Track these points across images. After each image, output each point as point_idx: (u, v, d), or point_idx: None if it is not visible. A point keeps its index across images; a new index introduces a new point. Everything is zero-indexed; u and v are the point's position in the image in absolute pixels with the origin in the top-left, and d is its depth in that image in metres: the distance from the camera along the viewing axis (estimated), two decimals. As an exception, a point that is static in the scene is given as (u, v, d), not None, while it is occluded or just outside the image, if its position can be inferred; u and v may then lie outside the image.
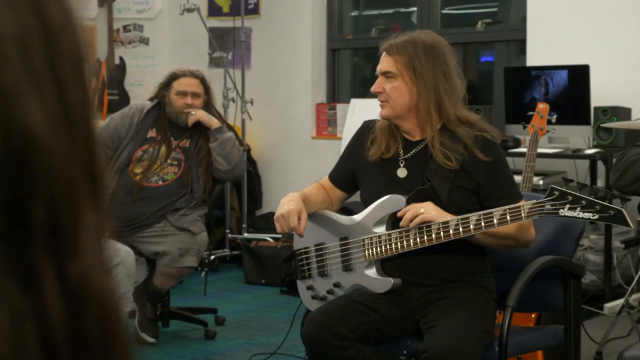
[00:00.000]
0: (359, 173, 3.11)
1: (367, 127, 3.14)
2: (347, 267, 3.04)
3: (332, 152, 6.12)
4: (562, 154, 5.26)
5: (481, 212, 2.79)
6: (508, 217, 2.75)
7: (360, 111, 6.12)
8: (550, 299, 3.08)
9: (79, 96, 0.46)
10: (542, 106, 4.49)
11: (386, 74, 3.00)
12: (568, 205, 2.64)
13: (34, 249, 0.43)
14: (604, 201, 2.64)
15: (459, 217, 2.80)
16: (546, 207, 2.67)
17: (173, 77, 4.64)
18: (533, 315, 3.61)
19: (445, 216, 2.82)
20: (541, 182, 4.84)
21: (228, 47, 7.16)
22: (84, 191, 0.46)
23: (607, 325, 4.38)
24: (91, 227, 0.46)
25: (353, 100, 6.27)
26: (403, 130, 3.05)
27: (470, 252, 2.94)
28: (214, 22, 7.33)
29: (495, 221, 2.76)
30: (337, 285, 3.06)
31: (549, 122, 4.48)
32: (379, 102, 3.02)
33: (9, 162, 0.42)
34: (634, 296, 4.36)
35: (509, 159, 3.60)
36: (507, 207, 2.76)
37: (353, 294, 2.99)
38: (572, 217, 2.64)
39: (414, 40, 2.98)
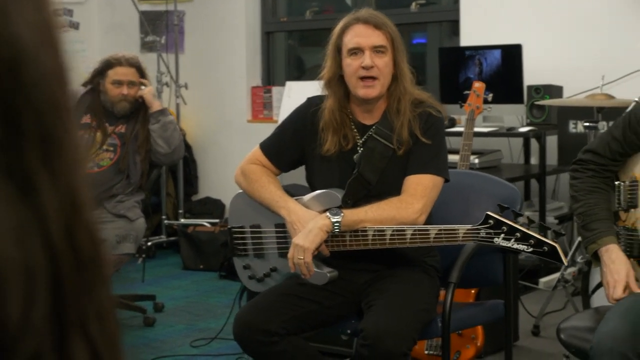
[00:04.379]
0: (310, 157, 3.01)
1: (313, 107, 3.00)
2: (283, 254, 2.99)
3: (267, 135, 6.06)
4: (496, 133, 5.32)
5: (416, 228, 2.75)
6: (443, 238, 2.73)
7: (296, 94, 6.09)
8: (490, 275, 3.11)
9: (53, 17, 0.50)
10: (478, 85, 4.52)
11: (378, 48, 2.87)
12: (503, 235, 2.63)
13: (29, 157, 0.46)
14: (537, 233, 2.65)
15: (394, 227, 2.75)
16: (481, 234, 2.66)
17: (108, 65, 4.57)
18: (473, 291, 3.65)
19: (314, 236, 2.78)
20: (477, 160, 4.88)
21: (161, 30, 7.08)
22: (66, 106, 0.50)
23: (543, 300, 4.46)
24: (75, 141, 0.49)
25: (289, 83, 6.25)
26: (359, 112, 2.97)
27: None
28: (146, 6, 7.23)
29: (431, 238, 2.74)
30: (274, 269, 3.03)
31: (485, 101, 4.52)
32: (365, 80, 2.86)
33: (2, 73, 0.45)
34: (569, 270, 4.43)
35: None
36: (443, 227, 2.72)
37: (288, 286, 2.93)
38: (506, 247, 2.64)
39: (385, 17, 2.92)
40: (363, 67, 2.84)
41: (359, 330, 2.69)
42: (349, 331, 2.96)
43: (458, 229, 2.70)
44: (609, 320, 2.41)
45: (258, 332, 2.76)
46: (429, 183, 2.84)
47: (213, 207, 6.85)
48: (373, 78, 2.86)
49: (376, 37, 2.87)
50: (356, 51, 2.87)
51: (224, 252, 5.66)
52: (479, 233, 2.66)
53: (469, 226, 2.68)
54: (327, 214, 2.82)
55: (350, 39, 2.88)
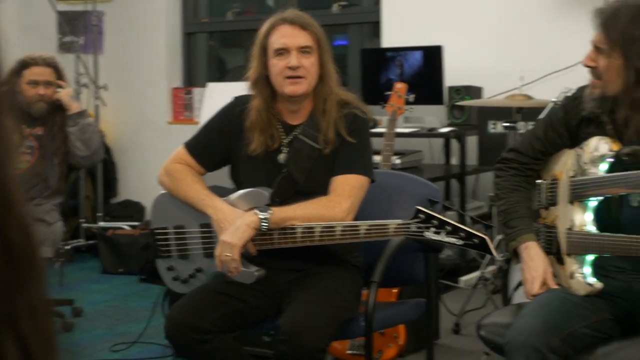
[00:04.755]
0: (236, 157, 3.00)
1: (239, 106, 2.99)
2: (209, 254, 2.96)
3: (189, 137, 6.01)
4: (417, 133, 5.37)
5: (346, 224, 2.76)
6: (373, 233, 2.74)
7: (218, 95, 6.05)
8: (412, 274, 3.13)
9: None
10: (400, 86, 4.55)
11: (304, 49, 2.88)
12: (433, 229, 2.65)
13: None
14: (466, 226, 2.68)
15: (323, 224, 2.75)
16: (412, 228, 2.68)
17: (24, 65, 4.46)
18: (394, 291, 3.67)
19: (241, 232, 2.77)
20: (398, 161, 4.91)
21: (79, 31, 6.96)
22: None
23: (463, 298, 4.51)
24: (2, 139, 0.48)
25: (210, 84, 6.19)
26: (285, 112, 2.97)
27: None
28: (64, 6, 7.09)
29: (361, 234, 2.74)
30: (199, 270, 3.00)
31: (407, 102, 4.55)
32: (291, 79, 2.87)
33: None
34: (489, 268, 4.49)
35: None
36: (373, 222, 2.73)
37: (216, 284, 2.91)
38: (436, 240, 2.65)
39: (310, 18, 2.93)
40: (289, 67, 2.85)
41: (276, 326, 2.68)
42: (272, 332, 2.94)
43: (389, 224, 2.71)
44: (524, 316, 2.45)
45: (191, 331, 2.74)
46: (355, 183, 2.86)
47: (133, 210, 6.76)
48: (299, 77, 2.87)
49: (302, 38, 2.88)
50: (282, 51, 2.88)
51: (145, 255, 5.58)
52: (409, 227, 2.67)
53: (399, 221, 2.69)
54: (255, 211, 2.80)
55: (277, 40, 2.89)
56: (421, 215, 2.65)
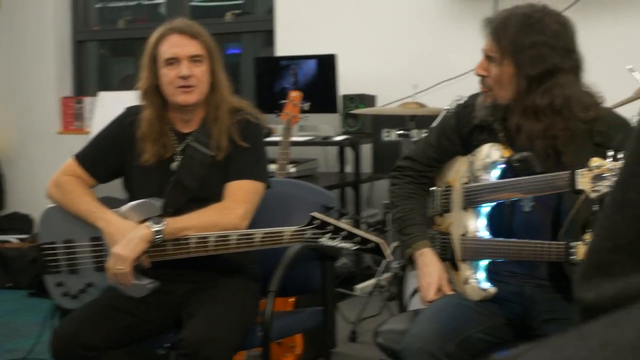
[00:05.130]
0: (129, 167, 2.96)
1: (131, 117, 2.96)
2: (100, 268, 2.89)
3: (80, 147, 5.89)
4: (312, 142, 5.38)
5: (241, 232, 2.74)
6: (269, 241, 2.72)
7: (109, 104, 5.94)
8: (309, 282, 3.13)
9: None
10: (294, 94, 4.55)
11: (194, 58, 2.87)
12: (329, 235, 2.65)
13: None
14: (362, 231, 2.70)
15: (217, 233, 2.73)
16: (307, 234, 2.67)
17: None
18: (291, 300, 3.65)
19: (134, 245, 2.73)
20: (293, 169, 4.91)
21: (-37, 38, 6.73)
22: None
23: (359, 306, 4.53)
24: None
25: (101, 94, 6.08)
26: (177, 121, 2.95)
27: None
28: (-54, 12, 6.86)
29: (256, 242, 2.72)
30: (90, 284, 2.93)
31: (302, 110, 4.56)
32: (183, 88, 2.86)
33: None
34: (384, 275, 4.52)
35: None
36: (268, 230, 2.72)
37: (108, 298, 2.85)
38: (332, 246, 2.66)
39: (200, 26, 2.92)
40: (181, 77, 2.84)
41: (179, 340, 2.63)
42: (167, 345, 2.89)
43: (284, 232, 2.70)
44: (419, 322, 2.46)
45: (79, 347, 2.67)
46: (250, 188, 2.85)
47: (21, 222, 6.58)
48: (191, 86, 2.86)
49: (192, 47, 2.87)
50: (173, 61, 2.86)
51: (34, 269, 5.43)
52: (305, 234, 2.67)
53: (294, 228, 2.68)
54: (148, 223, 2.75)
55: (167, 49, 2.87)
56: (316, 222, 2.66)
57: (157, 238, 2.74)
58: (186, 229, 2.76)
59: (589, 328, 0.45)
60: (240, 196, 2.82)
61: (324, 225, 2.65)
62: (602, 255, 0.53)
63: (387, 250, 2.66)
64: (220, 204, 2.81)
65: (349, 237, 2.65)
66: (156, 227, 2.74)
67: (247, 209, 2.81)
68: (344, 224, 2.67)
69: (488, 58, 2.54)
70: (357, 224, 5.10)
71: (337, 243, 2.65)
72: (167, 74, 2.86)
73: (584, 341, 0.44)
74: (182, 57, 2.85)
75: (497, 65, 2.51)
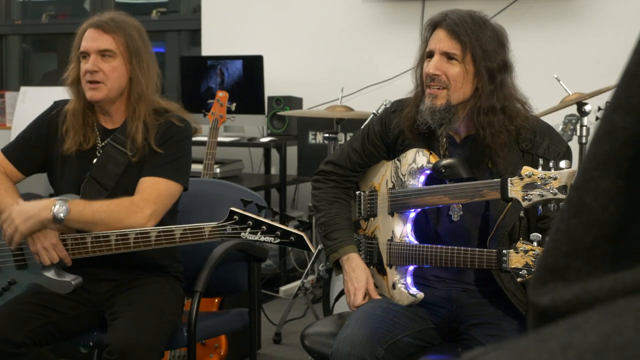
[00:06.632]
0: (53, 161, 2.95)
1: (56, 109, 2.97)
2: (22, 266, 2.87)
3: (2, 142, 5.77)
4: (238, 142, 5.36)
5: (161, 228, 2.70)
6: (189, 237, 2.69)
7: (31, 99, 5.85)
8: (234, 283, 3.12)
9: None
10: (221, 94, 4.54)
11: (104, 53, 2.84)
12: (249, 229, 2.64)
13: None
14: (283, 224, 2.69)
15: (138, 230, 2.70)
16: (227, 230, 2.66)
17: None
18: (216, 300, 3.64)
19: (30, 224, 2.71)
20: (218, 170, 4.89)
21: None
22: None
23: (283, 308, 4.53)
24: None
25: (23, 88, 5.97)
26: (101, 116, 2.94)
27: None
28: None
29: (177, 238, 2.69)
30: (12, 282, 2.88)
31: (229, 111, 4.55)
32: (90, 83, 2.84)
33: None
34: (309, 278, 4.54)
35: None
36: (188, 226, 2.69)
37: (30, 295, 2.81)
38: (254, 240, 2.65)
39: (125, 21, 2.89)
40: (87, 71, 2.84)
41: (104, 344, 2.60)
42: (90, 343, 2.85)
43: (204, 227, 2.68)
44: (348, 326, 2.47)
45: (3, 343, 2.62)
46: (164, 189, 2.82)
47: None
48: (97, 82, 2.84)
49: (103, 42, 2.85)
50: (85, 55, 2.87)
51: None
52: (225, 229, 2.65)
53: (214, 223, 2.66)
54: (52, 206, 2.72)
55: (82, 43, 2.88)
56: (236, 217, 2.65)
57: (60, 209, 2.69)
58: (93, 211, 2.71)
59: (549, 331, 0.47)
60: (153, 196, 2.79)
61: (243, 219, 2.65)
62: (558, 259, 0.54)
63: (310, 243, 2.66)
64: (130, 200, 2.77)
65: (270, 230, 2.64)
66: (60, 202, 2.70)
67: (156, 210, 2.78)
68: (262, 217, 2.67)
69: (445, 56, 2.48)
70: (285, 219, 5.11)
71: (259, 237, 2.64)
72: (81, 68, 2.87)
73: (545, 344, 0.45)
74: (91, 51, 2.85)
75: (459, 63, 2.46)
